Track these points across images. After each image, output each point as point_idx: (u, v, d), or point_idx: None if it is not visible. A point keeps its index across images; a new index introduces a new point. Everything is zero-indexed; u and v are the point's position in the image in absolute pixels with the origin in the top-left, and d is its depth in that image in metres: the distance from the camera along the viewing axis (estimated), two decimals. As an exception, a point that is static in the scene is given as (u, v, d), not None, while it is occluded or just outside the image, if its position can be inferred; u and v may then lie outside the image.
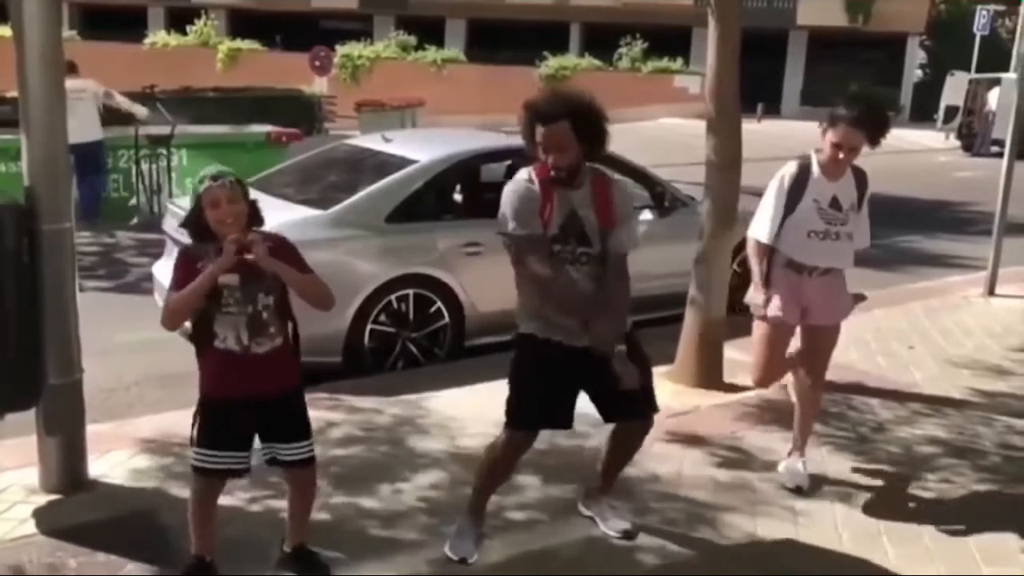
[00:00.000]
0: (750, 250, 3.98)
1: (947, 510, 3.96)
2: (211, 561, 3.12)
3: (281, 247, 2.99)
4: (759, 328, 4.01)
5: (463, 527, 3.48)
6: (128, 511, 3.64)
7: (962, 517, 3.89)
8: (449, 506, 3.76)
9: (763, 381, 4.21)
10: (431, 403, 4.92)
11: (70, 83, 10.13)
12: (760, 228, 3.93)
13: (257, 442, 3.06)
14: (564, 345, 3.28)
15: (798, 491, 4.00)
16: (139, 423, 4.55)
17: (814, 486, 4.08)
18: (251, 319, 2.92)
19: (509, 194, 3.31)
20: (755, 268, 3.94)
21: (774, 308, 3.90)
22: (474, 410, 4.73)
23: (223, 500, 3.20)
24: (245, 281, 2.89)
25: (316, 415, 4.59)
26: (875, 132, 3.77)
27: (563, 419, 3.39)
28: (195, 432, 2.99)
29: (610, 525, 3.63)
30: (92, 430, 3.90)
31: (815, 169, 3.87)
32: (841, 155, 3.77)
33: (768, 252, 3.91)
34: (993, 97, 21.13)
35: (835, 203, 3.86)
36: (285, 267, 2.92)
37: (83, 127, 9.69)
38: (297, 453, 3.06)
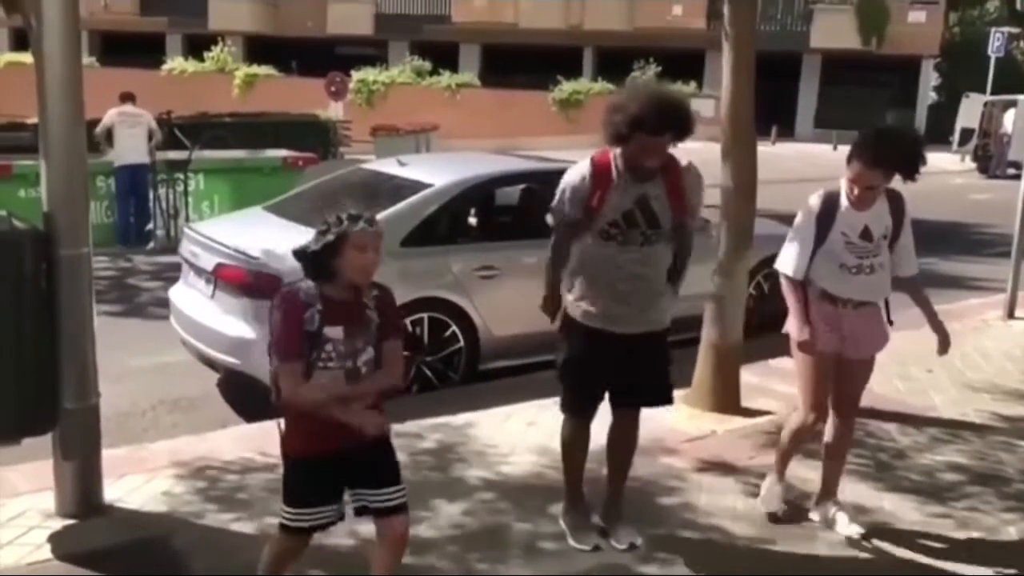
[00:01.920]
0: (784, 285, 3.86)
1: (975, 539, 3.89)
2: None
3: (385, 300, 2.84)
4: (803, 361, 3.81)
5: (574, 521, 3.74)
6: (143, 536, 3.63)
7: (991, 546, 3.83)
8: (480, 533, 3.72)
9: (816, 409, 3.86)
10: (460, 427, 4.90)
11: (129, 109, 10.71)
12: (788, 262, 3.80)
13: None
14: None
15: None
16: (154, 448, 4.55)
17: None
18: (350, 373, 2.74)
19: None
20: (792, 303, 3.80)
21: (816, 339, 3.73)
22: (498, 435, 4.71)
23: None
24: (348, 333, 2.72)
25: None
26: (902, 169, 3.60)
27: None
28: (284, 492, 2.85)
29: (619, 538, 3.69)
30: (108, 454, 3.90)
31: (843, 200, 3.70)
32: (856, 191, 3.64)
33: (801, 285, 3.79)
34: (1008, 119, 21.08)
35: (866, 233, 3.68)
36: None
37: (138, 149, 10.13)
38: (390, 499, 2.83)
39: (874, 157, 3.55)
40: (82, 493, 3.76)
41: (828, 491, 4.01)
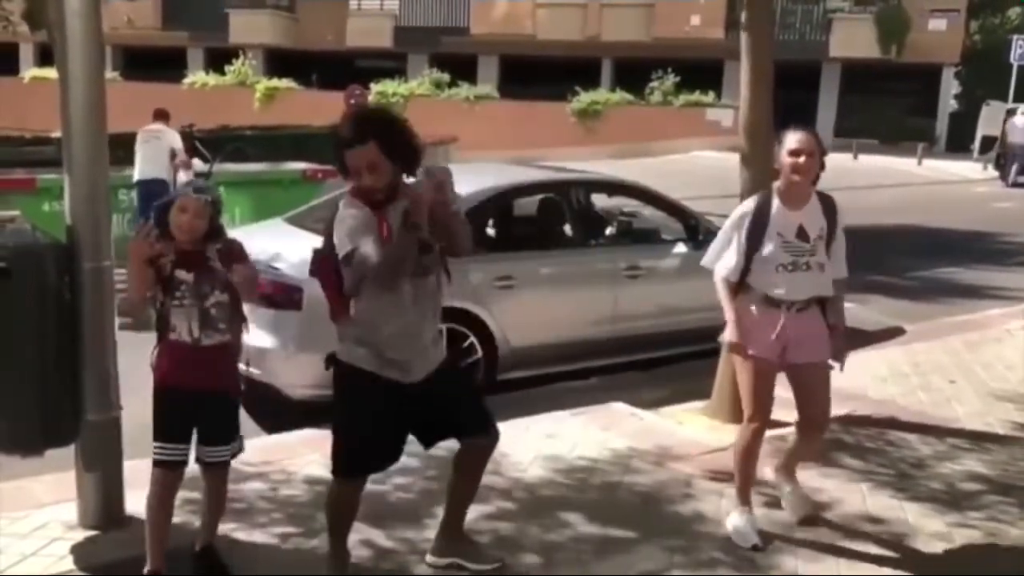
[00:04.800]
0: (718, 289, 3.83)
1: (996, 550, 3.85)
2: None
3: (227, 250, 3.29)
4: (741, 367, 3.81)
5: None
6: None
7: (1012, 557, 3.79)
8: (492, 543, 3.73)
9: (756, 418, 3.84)
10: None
11: (152, 126, 10.62)
12: (721, 264, 3.80)
13: None
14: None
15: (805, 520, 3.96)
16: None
17: (853, 523, 4.00)
18: (202, 313, 3.23)
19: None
20: (726, 306, 3.77)
21: (753, 345, 3.73)
22: (516, 446, 4.70)
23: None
24: (198, 278, 3.23)
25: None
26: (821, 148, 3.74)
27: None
28: (155, 427, 3.26)
29: (474, 559, 3.51)
30: (130, 466, 3.92)
31: (775, 201, 3.74)
32: (802, 159, 3.64)
33: (737, 289, 3.78)
34: (1014, 126, 20.71)
35: (801, 233, 3.71)
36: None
37: (155, 164, 10.14)
38: (216, 456, 3.35)
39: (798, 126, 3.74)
40: (104, 505, 3.78)
41: (790, 469, 4.11)
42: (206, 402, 3.29)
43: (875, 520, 4.07)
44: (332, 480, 3.34)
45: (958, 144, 27.13)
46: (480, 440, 3.39)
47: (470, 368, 3.31)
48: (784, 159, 3.71)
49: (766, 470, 4.23)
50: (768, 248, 3.71)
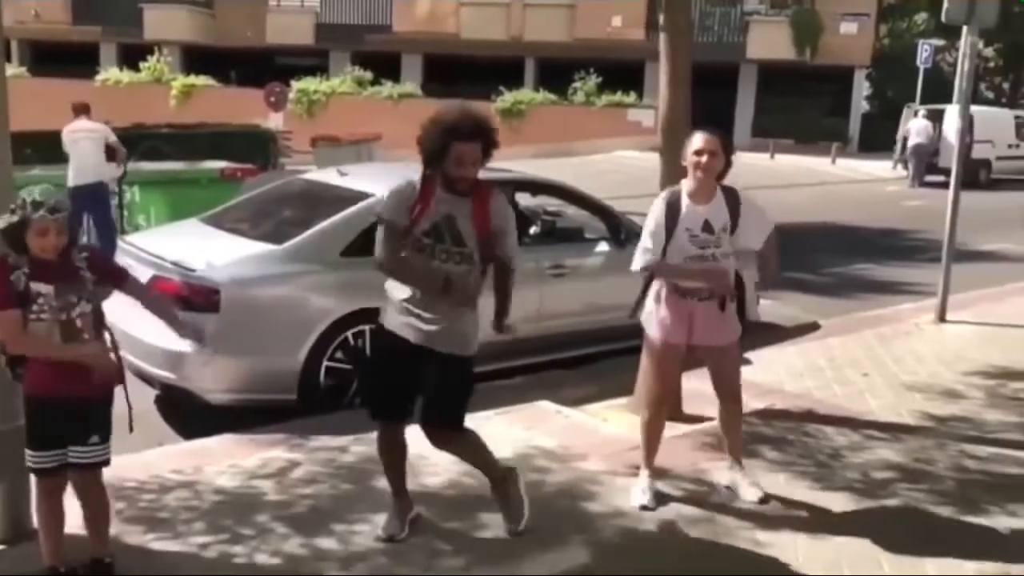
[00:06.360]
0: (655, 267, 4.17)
1: (906, 535, 3.98)
2: (65, 572, 3.25)
3: (95, 258, 3.25)
4: (647, 350, 4.30)
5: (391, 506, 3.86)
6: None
7: (920, 541, 3.92)
8: (411, 545, 3.70)
9: (655, 402, 4.33)
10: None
11: (84, 123, 9.66)
12: (638, 259, 4.16)
13: None
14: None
15: (761, 502, 4.20)
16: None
17: (776, 514, 4.09)
18: (64, 326, 3.10)
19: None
20: (641, 293, 4.23)
21: (659, 329, 4.15)
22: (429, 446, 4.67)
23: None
24: (60, 290, 3.08)
25: (276, 455, 4.55)
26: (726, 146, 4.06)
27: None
28: (27, 435, 3.20)
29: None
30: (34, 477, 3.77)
31: (684, 199, 4.08)
32: (704, 159, 3.97)
33: (651, 279, 4.18)
34: (914, 128, 21.33)
35: (707, 227, 4.06)
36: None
37: (89, 168, 9.50)
38: (98, 455, 3.23)
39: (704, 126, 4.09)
40: (10, 518, 3.64)
41: (733, 460, 4.38)
42: (75, 409, 3.17)
43: (793, 508, 4.16)
44: None
45: (870, 144, 27.99)
46: (426, 428, 3.75)
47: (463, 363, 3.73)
48: (689, 158, 4.04)
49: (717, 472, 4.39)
50: (677, 240, 4.04)
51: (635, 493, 4.21)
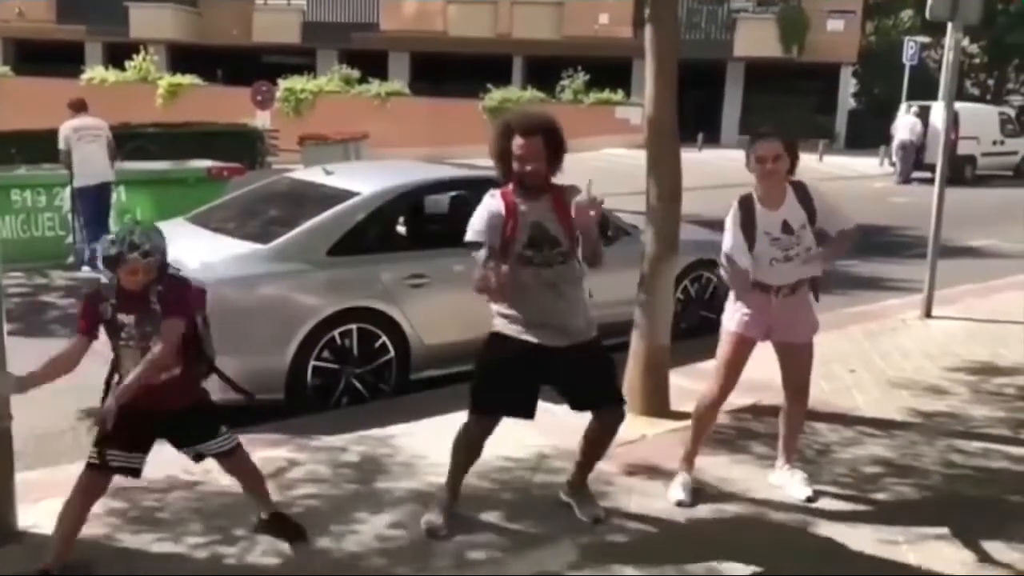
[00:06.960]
0: (729, 274, 4.09)
1: (894, 529, 4.00)
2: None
3: (167, 293, 3.37)
4: (722, 345, 4.21)
5: (439, 500, 3.90)
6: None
7: (907, 534, 3.94)
8: (409, 547, 3.69)
9: (716, 393, 4.24)
10: (387, 439, 4.84)
11: (87, 121, 9.42)
12: (738, 255, 4.04)
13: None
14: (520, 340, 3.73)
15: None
16: (72, 470, 4.31)
17: (760, 511, 4.10)
18: (143, 354, 3.31)
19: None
20: (734, 289, 4.13)
21: (737, 323, 4.12)
22: (430, 445, 4.67)
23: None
24: (139, 321, 3.32)
25: (267, 455, 4.53)
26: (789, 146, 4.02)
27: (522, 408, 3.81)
28: (116, 437, 3.34)
29: (584, 512, 3.98)
30: (22, 478, 3.77)
31: (757, 205, 4.06)
32: (769, 165, 3.95)
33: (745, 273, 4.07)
34: (901, 124, 21.40)
35: (786, 227, 4.03)
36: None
37: (97, 168, 9.38)
38: (217, 447, 3.55)
39: (767, 131, 4.06)
40: (-5, 519, 3.61)
41: (786, 458, 4.41)
42: (170, 419, 3.44)
43: (781, 505, 4.17)
44: (467, 418, 3.85)
45: (857, 141, 28.10)
46: (605, 413, 3.85)
47: (604, 349, 3.88)
48: (754, 166, 4.00)
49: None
50: (760, 245, 4.03)
51: (673, 488, 4.24)
